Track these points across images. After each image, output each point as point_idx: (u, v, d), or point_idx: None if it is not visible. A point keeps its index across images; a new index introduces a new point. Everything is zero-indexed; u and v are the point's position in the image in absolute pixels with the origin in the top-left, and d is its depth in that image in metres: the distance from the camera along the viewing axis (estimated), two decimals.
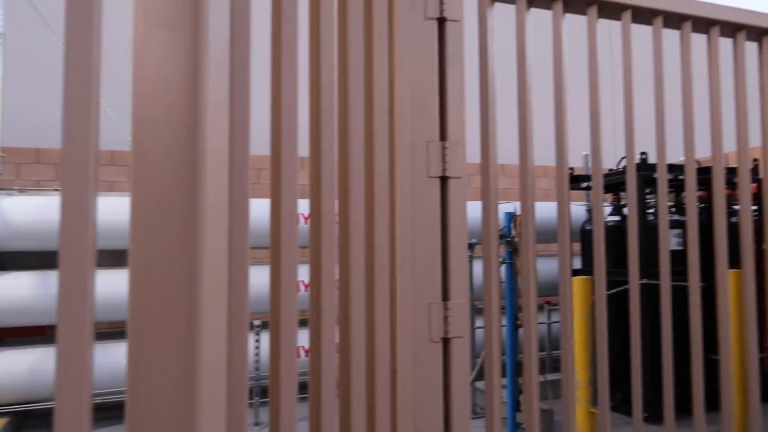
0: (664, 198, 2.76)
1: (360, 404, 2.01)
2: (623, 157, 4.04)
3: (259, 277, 4.30)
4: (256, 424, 3.75)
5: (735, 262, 3.99)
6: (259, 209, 4.43)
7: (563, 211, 2.46)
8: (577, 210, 4.57)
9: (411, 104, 2.00)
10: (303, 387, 4.30)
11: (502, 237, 3.38)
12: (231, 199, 1.55)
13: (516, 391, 3.43)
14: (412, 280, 1.98)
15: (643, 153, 3.72)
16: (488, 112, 2.24)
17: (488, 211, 2.25)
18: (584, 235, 4.21)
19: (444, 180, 2.06)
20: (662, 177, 2.76)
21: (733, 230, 4.08)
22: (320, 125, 1.92)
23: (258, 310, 4.17)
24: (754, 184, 4.56)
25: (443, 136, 2.06)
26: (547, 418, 3.54)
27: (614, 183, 4.04)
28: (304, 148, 1.97)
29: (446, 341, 2.03)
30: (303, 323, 4.44)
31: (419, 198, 1.99)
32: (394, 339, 1.97)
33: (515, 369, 3.41)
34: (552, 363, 4.80)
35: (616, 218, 4.02)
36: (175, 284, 1.16)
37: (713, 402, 3.86)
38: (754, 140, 3.83)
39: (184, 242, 1.17)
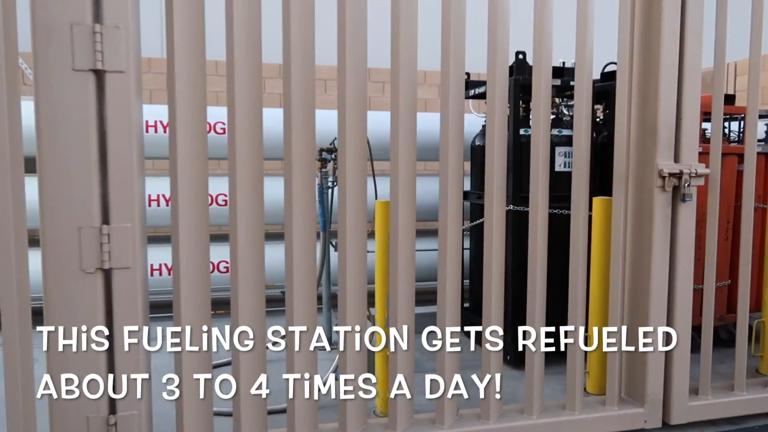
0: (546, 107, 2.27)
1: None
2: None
3: None
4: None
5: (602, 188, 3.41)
6: None
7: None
8: (475, 121, 3.93)
9: None
10: None
11: (331, 151, 2.95)
12: None
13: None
14: (54, 200, 1.62)
15: (520, 53, 3.09)
16: None
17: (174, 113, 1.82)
18: (474, 152, 3.68)
19: (100, 75, 1.63)
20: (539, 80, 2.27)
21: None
22: None
23: None
24: None
25: (97, 18, 1.62)
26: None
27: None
28: None
29: (107, 273, 1.69)
30: None
31: (61, 96, 1.59)
32: (45, 269, 1.64)
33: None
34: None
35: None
36: None
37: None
38: None
39: None
